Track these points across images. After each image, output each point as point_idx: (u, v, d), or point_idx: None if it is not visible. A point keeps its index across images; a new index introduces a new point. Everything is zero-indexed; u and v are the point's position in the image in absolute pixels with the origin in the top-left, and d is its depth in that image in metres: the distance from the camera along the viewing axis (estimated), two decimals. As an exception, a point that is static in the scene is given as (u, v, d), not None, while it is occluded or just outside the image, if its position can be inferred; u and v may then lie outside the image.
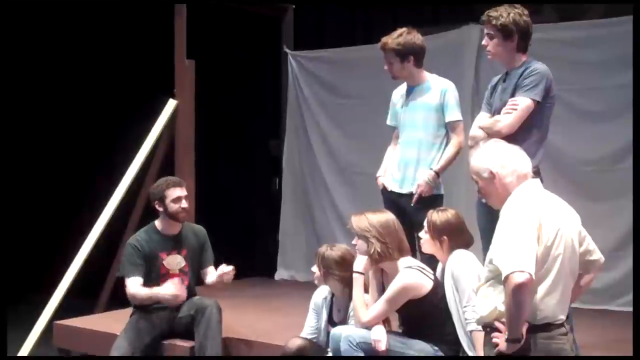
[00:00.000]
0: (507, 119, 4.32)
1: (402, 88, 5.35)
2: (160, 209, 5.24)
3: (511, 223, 3.25)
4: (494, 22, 4.42)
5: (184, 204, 5.23)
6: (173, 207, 5.19)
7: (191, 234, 5.37)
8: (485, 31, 4.51)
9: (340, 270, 4.63)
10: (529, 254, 3.15)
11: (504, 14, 4.40)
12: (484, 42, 4.56)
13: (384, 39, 5.19)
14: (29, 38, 8.97)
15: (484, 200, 3.75)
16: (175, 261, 5.27)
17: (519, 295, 3.11)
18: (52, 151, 9.67)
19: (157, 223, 5.32)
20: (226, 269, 5.21)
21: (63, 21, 9.00)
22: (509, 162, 3.43)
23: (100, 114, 9.35)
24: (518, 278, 3.09)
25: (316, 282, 4.81)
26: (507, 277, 3.12)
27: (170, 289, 5.10)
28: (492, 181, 3.43)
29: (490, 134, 4.29)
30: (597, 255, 3.50)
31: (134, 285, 5.14)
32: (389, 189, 5.28)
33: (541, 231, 3.24)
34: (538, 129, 4.37)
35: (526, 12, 4.47)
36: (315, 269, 4.75)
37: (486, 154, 3.50)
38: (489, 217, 3.75)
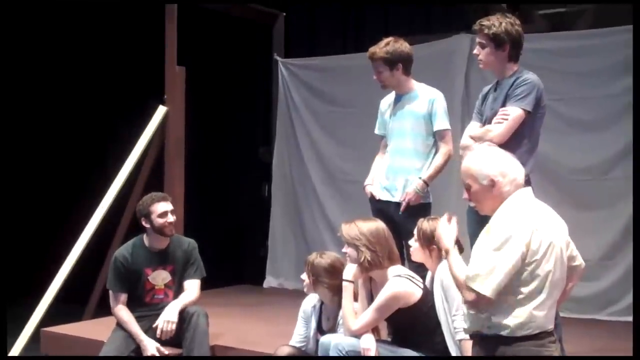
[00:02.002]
0: (498, 129, 4.32)
1: (390, 97, 5.36)
2: (147, 226, 5.21)
3: (497, 238, 3.21)
4: (486, 31, 4.43)
5: (170, 218, 5.21)
6: (159, 222, 5.17)
7: (179, 249, 5.31)
8: (477, 40, 4.52)
9: (329, 278, 4.61)
10: (499, 277, 3.17)
11: (496, 23, 4.41)
12: (475, 51, 4.57)
13: (372, 49, 5.20)
14: (23, 43, 8.95)
15: (471, 204, 3.72)
16: (160, 277, 5.26)
17: (471, 306, 3.27)
18: (43, 156, 9.65)
19: (145, 237, 5.29)
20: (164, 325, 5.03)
21: (54, 27, 8.99)
22: (510, 171, 3.36)
23: (91, 120, 9.33)
24: (476, 296, 3.20)
25: (305, 290, 4.78)
26: (469, 287, 3.22)
27: (152, 347, 5.02)
28: (489, 189, 3.34)
29: (481, 143, 4.29)
30: (579, 261, 3.48)
31: (116, 302, 5.19)
32: (377, 198, 5.27)
33: (530, 246, 3.20)
34: (529, 139, 4.38)
35: (518, 21, 4.49)
36: (304, 276, 4.72)
37: (486, 160, 3.39)
38: (479, 225, 3.71)
